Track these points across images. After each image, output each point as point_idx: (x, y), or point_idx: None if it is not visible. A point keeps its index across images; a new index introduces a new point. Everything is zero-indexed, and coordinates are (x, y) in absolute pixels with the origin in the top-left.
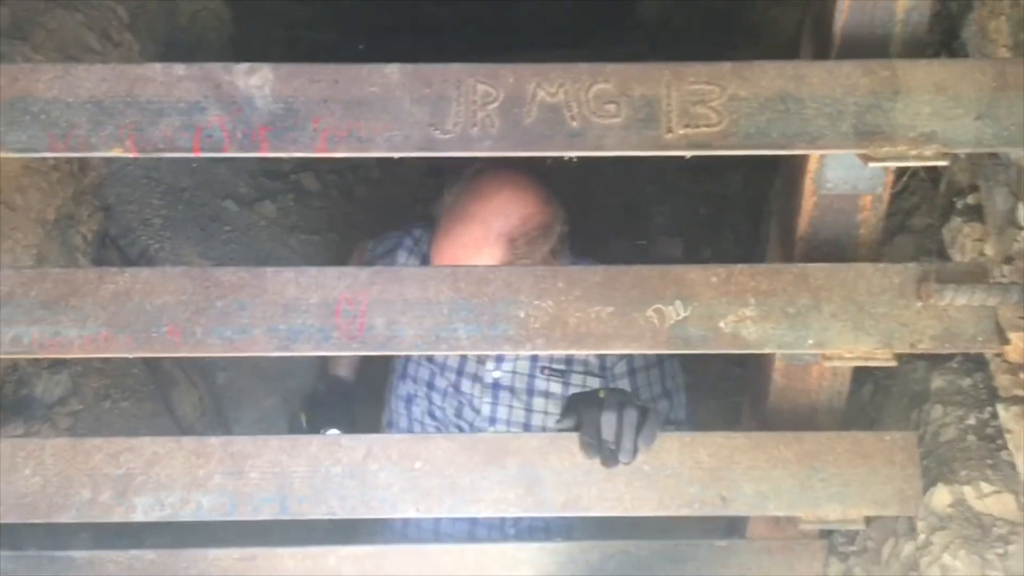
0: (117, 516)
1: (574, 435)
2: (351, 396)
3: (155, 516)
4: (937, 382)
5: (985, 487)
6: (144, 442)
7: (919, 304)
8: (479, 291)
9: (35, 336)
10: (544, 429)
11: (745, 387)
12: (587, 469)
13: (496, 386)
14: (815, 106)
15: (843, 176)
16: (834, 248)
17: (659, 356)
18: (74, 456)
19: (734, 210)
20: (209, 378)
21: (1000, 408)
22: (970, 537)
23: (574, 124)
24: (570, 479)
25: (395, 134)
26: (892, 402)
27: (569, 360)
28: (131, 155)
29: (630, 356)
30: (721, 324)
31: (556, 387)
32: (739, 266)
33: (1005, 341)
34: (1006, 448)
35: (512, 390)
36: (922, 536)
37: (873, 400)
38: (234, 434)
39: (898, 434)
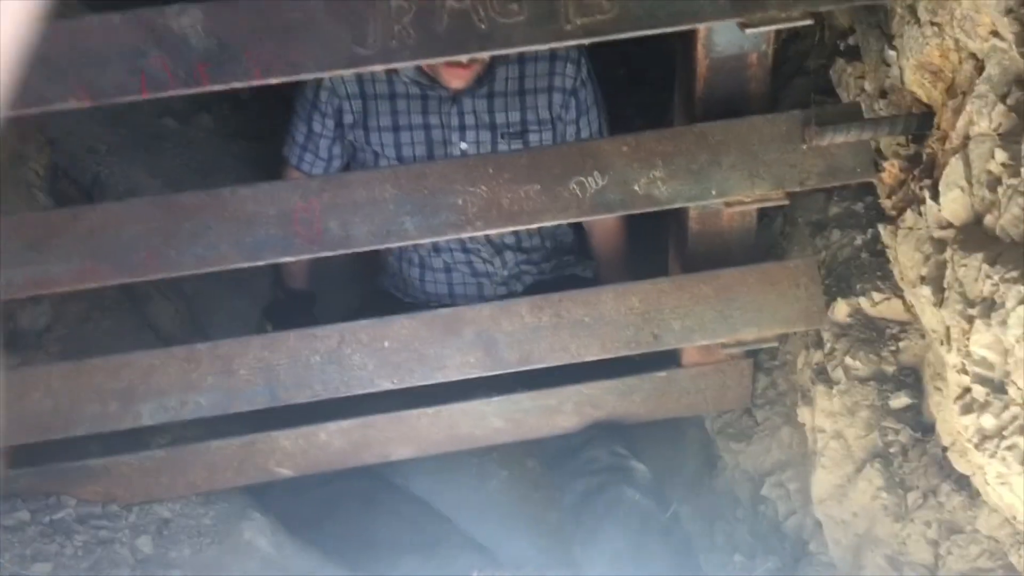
0: (127, 423)
1: (521, 299)
2: (311, 302)
3: (160, 419)
4: (834, 209)
5: (876, 296)
6: (139, 356)
7: (804, 147)
8: (418, 185)
9: (27, 276)
10: None
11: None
12: (535, 327)
13: (464, 157)
14: None
15: (730, 39)
16: (729, 104)
17: (595, 97)
18: (78, 376)
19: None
20: (178, 289)
21: (881, 227)
22: (867, 340)
23: (482, 27)
24: (522, 338)
25: (322, 56)
26: (799, 232)
27: (524, 120)
28: (86, 104)
29: (576, 102)
30: (635, 187)
31: (518, 146)
32: (645, 133)
33: (880, 169)
34: None
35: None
36: (828, 345)
37: (783, 232)
38: (211, 337)
39: (801, 260)
